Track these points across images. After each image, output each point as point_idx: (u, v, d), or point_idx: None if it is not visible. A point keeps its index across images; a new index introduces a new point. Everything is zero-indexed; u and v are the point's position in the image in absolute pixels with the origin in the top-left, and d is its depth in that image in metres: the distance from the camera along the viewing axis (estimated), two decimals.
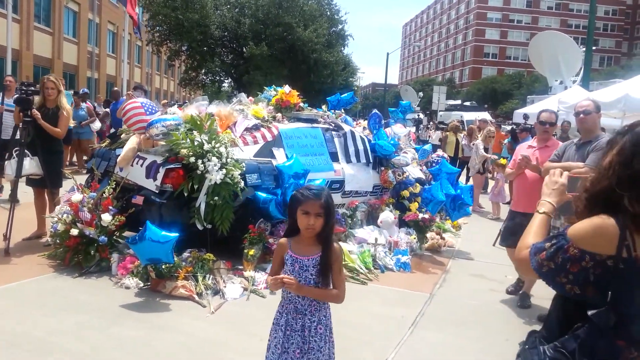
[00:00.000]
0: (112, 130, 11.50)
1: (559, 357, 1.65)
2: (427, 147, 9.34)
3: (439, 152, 9.23)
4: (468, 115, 28.43)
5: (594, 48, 16.44)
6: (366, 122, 8.54)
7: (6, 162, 5.92)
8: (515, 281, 5.42)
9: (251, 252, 5.31)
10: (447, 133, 14.11)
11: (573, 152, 4.65)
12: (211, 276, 4.92)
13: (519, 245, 1.88)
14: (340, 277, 2.58)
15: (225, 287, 4.82)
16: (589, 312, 1.60)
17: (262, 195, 5.46)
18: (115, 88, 13.40)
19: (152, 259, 4.53)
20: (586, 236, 1.61)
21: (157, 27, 31.12)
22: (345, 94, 8.22)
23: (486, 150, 10.97)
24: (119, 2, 25.46)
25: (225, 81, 36.78)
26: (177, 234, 4.56)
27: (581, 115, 4.61)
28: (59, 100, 6.06)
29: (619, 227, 1.57)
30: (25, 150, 5.76)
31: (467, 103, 40.03)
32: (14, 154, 5.83)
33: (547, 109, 5.89)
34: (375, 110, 8.35)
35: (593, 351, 1.60)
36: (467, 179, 13.54)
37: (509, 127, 15.00)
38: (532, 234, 1.89)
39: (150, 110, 5.78)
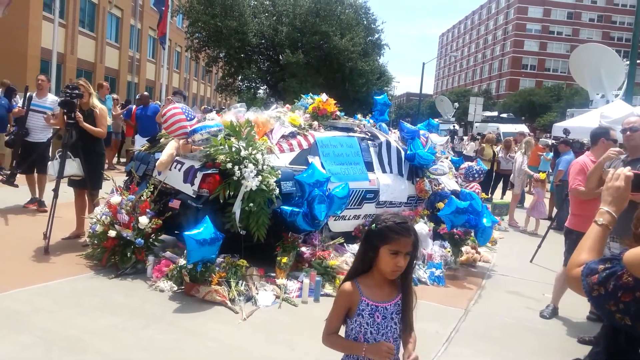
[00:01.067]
0: (136, 134, 11.62)
1: None
2: (478, 163, 9.06)
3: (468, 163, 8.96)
4: (504, 127, 27.97)
5: (637, 61, 15.88)
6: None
7: (49, 163, 6.10)
8: (552, 306, 5.22)
9: (284, 259, 5.30)
10: (484, 145, 13.89)
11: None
12: (244, 282, 4.92)
13: (571, 261, 1.71)
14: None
15: (257, 294, 4.81)
16: None
17: (287, 208, 5.40)
18: (145, 93, 13.30)
19: (202, 259, 4.62)
20: None
21: (197, 34, 31.67)
22: (380, 98, 8.11)
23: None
24: (154, 6, 26.01)
25: (261, 88, 37.15)
26: (223, 234, 4.70)
27: (628, 132, 4.45)
28: (91, 102, 6.22)
29: None
30: (68, 152, 5.91)
31: (504, 115, 39.34)
32: (57, 155, 6.00)
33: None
34: (407, 125, 8.14)
35: None
36: (504, 192, 13.29)
37: (548, 141, 14.64)
38: (587, 250, 1.71)
39: (190, 116, 5.86)
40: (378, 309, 2.06)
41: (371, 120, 7.72)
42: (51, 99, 7.71)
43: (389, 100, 8.16)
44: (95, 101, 6.30)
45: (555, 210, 10.26)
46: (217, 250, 4.67)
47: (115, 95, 14.41)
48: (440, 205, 7.15)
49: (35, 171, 7.70)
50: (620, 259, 1.53)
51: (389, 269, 2.03)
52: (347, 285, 2.11)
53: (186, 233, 4.58)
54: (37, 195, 7.71)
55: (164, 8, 19.51)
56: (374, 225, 2.07)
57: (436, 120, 10.56)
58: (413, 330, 2.16)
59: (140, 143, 11.23)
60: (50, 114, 7.13)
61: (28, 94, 7.53)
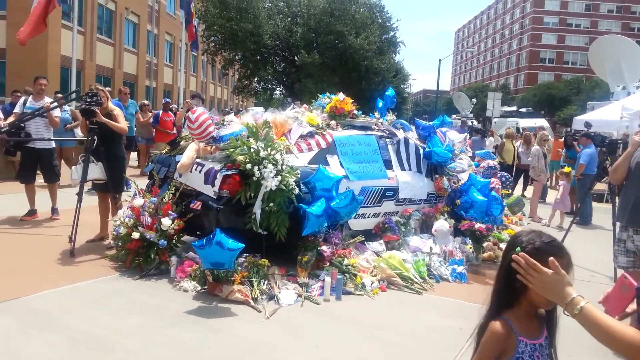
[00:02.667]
0: None
1: None
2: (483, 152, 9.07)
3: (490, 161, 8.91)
4: (524, 122, 27.65)
5: None
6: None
7: (73, 168, 6.22)
8: None
9: (305, 258, 5.33)
10: (504, 140, 13.79)
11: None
12: (266, 281, 4.96)
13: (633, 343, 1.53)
14: None
15: (279, 292, 4.85)
16: None
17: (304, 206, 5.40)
18: (107, 88, 11.77)
19: (215, 263, 4.61)
20: None
21: (212, 38, 31.90)
22: (388, 92, 8.06)
23: (544, 156, 10.67)
24: (176, 12, 26.24)
25: (277, 89, 37.26)
26: (243, 245, 4.61)
27: None
28: (109, 106, 6.34)
29: None
30: (90, 156, 6.03)
31: (523, 109, 38.87)
32: (80, 160, 6.13)
33: None
34: (423, 122, 8.07)
35: None
36: (524, 188, 13.17)
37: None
38: (622, 324, 1.59)
39: (214, 121, 5.92)
40: (536, 347, 1.78)
41: (389, 118, 7.69)
42: (48, 101, 7.47)
43: (394, 98, 8.06)
44: (110, 105, 6.41)
45: (578, 204, 10.11)
46: (233, 258, 4.63)
47: (146, 102, 14.26)
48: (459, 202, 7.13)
49: (44, 180, 7.56)
50: None
51: (546, 299, 1.72)
52: (498, 326, 1.77)
53: (195, 244, 4.63)
54: (52, 205, 7.48)
55: (191, 13, 19.58)
56: (518, 248, 1.75)
57: (454, 116, 10.53)
58: None
59: None
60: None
61: (22, 97, 7.26)
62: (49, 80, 8.12)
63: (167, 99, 14.49)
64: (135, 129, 12.07)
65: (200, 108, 5.95)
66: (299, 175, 5.48)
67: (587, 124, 9.61)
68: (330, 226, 5.71)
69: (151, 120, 12.62)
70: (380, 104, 7.88)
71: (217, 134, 5.74)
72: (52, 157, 7.57)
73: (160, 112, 12.68)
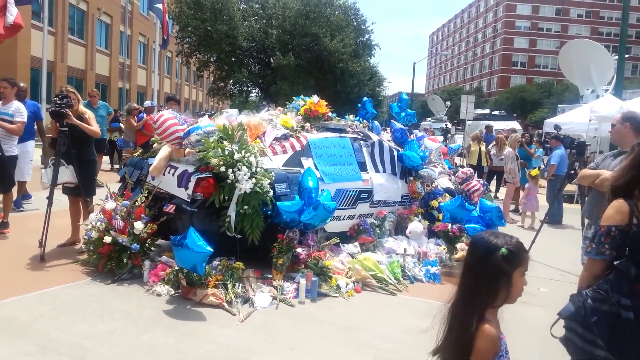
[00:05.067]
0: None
1: (597, 295, 2.39)
2: (456, 145, 9.23)
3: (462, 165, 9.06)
4: (497, 125, 28.04)
5: (626, 56, 16.06)
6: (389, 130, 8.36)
7: (42, 171, 6.09)
8: None
9: (280, 261, 5.33)
10: (470, 142, 14.03)
11: (608, 162, 4.60)
12: (240, 285, 4.94)
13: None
14: None
15: (254, 295, 4.84)
16: (615, 262, 2.37)
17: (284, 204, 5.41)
18: (22, 84, 8.59)
19: (187, 264, 4.59)
20: (609, 216, 2.44)
21: (187, 39, 31.67)
22: (367, 101, 8.11)
23: (516, 157, 10.87)
24: (149, 13, 25.97)
25: (253, 91, 37.21)
26: (211, 250, 4.53)
27: (609, 130, 4.70)
28: (80, 109, 6.22)
29: (629, 206, 2.39)
30: (61, 160, 5.92)
31: (496, 112, 39.48)
32: (50, 163, 6.00)
33: None
34: (397, 125, 8.12)
35: (620, 289, 2.33)
36: (497, 189, 13.38)
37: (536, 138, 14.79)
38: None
39: (181, 120, 5.87)
40: (505, 342, 1.91)
41: (364, 121, 7.74)
42: (15, 105, 7.09)
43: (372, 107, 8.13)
44: (82, 108, 6.29)
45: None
46: (202, 263, 4.55)
47: (135, 105, 13.63)
48: (434, 203, 7.21)
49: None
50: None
51: (519, 293, 1.90)
52: (491, 329, 1.84)
53: (172, 243, 4.60)
54: (3, 218, 6.86)
55: (161, 7, 19.20)
56: (504, 249, 1.87)
57: (429, 119, 10.65)
58: None
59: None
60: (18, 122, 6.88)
61: None
62: (22, 82, 7.85)
63: (153, 103, 14.18)
64: (116, 132, 11.76)
65: (167, 111, 5.87)
66: (273, 178, 5.48)
67: (557, 127, 9.84)
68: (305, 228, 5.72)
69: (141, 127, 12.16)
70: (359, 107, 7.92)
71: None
72: (11, 165, 7.06)
73: (144, 115, 12.37)
